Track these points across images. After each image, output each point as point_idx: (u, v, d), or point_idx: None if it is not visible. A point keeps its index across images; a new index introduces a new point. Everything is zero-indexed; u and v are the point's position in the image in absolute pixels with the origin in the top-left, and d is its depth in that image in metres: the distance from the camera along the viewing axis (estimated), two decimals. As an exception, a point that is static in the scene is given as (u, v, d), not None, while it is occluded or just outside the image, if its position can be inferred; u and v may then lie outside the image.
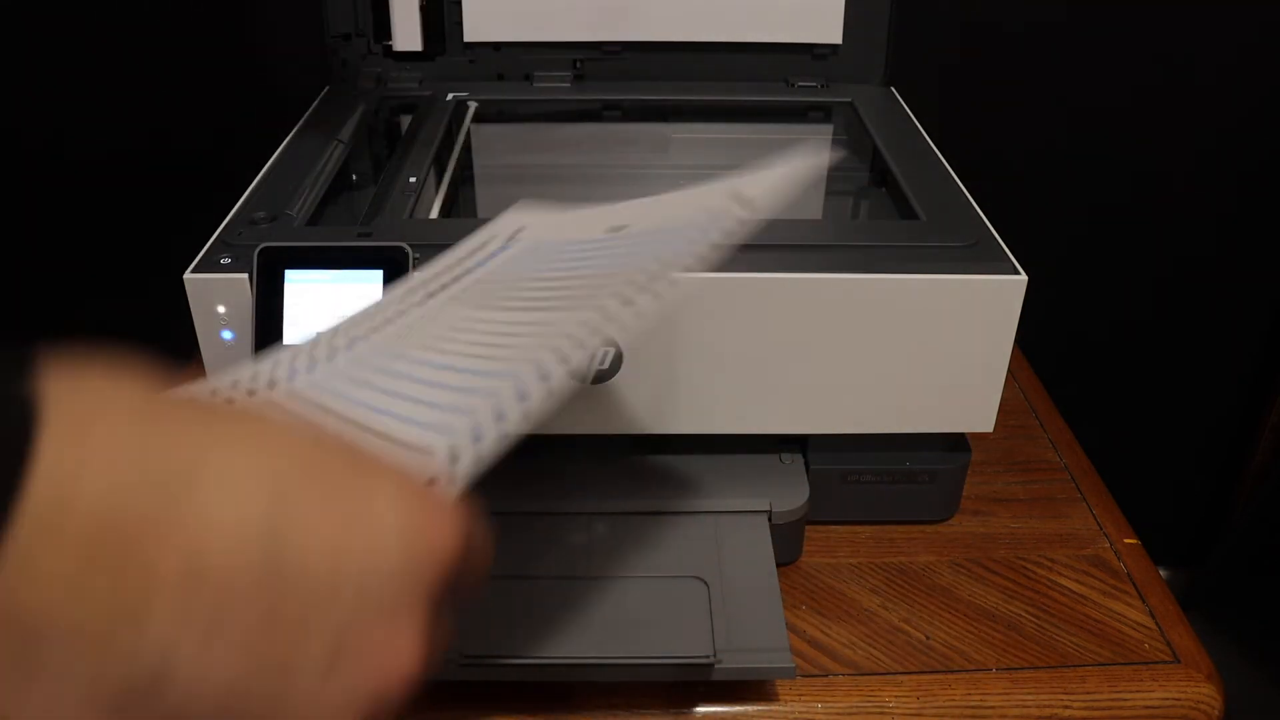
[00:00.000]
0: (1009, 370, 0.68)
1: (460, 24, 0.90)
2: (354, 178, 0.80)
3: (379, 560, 0.28)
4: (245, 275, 0.61)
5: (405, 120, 0.88)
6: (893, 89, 0.90)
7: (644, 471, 0.70)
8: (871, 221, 0.65)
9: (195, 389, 0.33)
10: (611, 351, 0.63)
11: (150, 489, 0.23)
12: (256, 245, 0.61)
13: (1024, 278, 0.62)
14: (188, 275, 0.61)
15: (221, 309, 0.62)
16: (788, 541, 0.69)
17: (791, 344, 0.63)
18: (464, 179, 0.82)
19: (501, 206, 0.72)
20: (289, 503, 0.26)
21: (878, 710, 0.61)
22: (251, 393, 0.34)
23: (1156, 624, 0.67)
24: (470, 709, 0.60)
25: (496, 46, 0.91)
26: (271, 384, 0.36)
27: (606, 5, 0.88)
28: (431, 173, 0.78)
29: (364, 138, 0.84)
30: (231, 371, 0.37)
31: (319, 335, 0.42)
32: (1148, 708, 0.62)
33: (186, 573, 0.23)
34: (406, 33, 0.89)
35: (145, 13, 0.99)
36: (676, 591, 0.63)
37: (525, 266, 0.46)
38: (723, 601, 0.62)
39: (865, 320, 0.62)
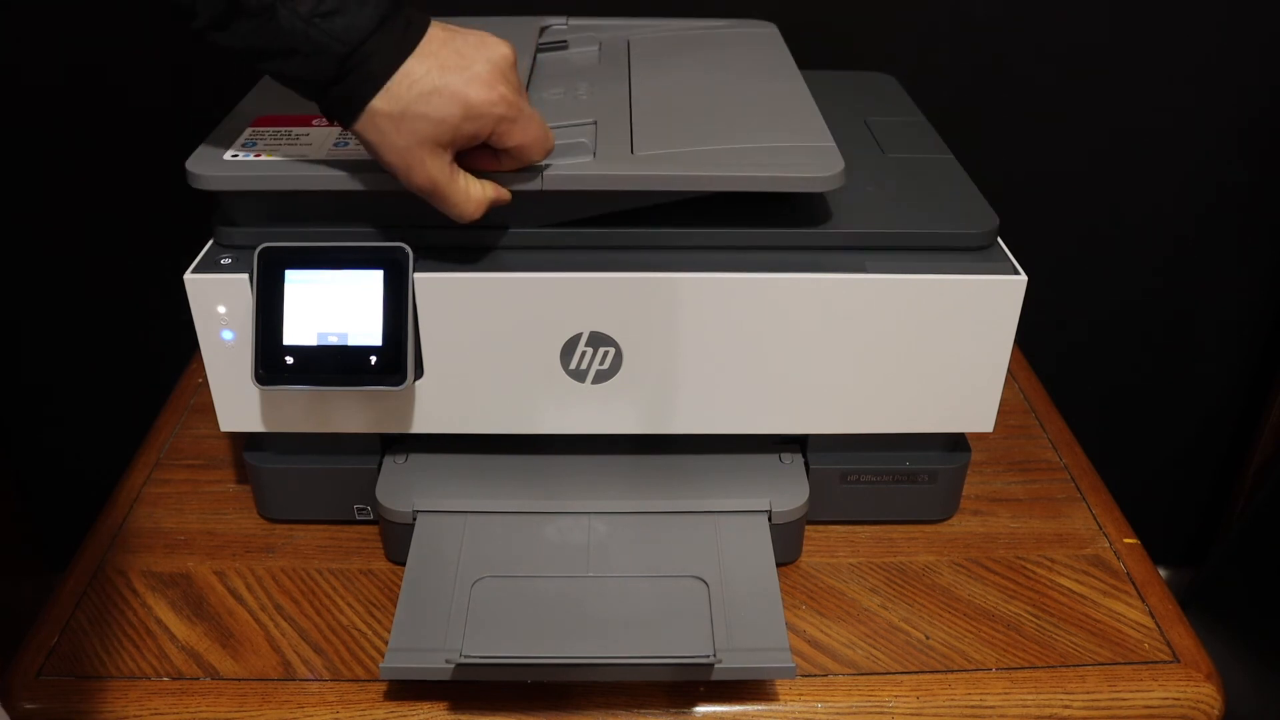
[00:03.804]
0: (1009, 370, 0.68)
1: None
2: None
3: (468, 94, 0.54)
4: (245, 275, 0.61)
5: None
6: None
7: (644, 471, 0.70)
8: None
9: None
10: (611, 351, 0.63)
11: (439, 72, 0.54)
12: (256, 245, 0.61)
13: (1024, 278, 0.62)
14: (188, 275, 0.61)
15: (221, 309, 0.62)
16: (787, 541, 0.69)
17: (792, 344, 0.63)
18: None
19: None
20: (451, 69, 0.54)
21: (878, 710, 0.61)
22: None
23: (1156, 624, 0.67)
24: (470, 709, 0.60)
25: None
26: None
27: None
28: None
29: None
30: None
31: None
32: (1148, 707, 0.62)
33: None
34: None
35: (143, 10, 0.99)
36: (676, 591, 0.63)
37: None
38: (723, 601, 0.62)
39: (865, 320, 0.63)
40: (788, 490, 0.68)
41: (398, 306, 0.60)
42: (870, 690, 0.62)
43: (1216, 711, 0.63)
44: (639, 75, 0.75)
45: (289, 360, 0.61)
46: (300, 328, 0.61)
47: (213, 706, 0.60)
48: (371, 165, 0.60)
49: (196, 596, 0.68)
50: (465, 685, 0.61)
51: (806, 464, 0.70)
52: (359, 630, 0.65)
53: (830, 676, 0.63)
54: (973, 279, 0.62)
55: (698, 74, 0.75)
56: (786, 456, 0.71)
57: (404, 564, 0.65)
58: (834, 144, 0.62)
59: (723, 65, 0.77)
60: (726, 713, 0.61)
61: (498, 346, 0.63)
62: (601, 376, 0.64)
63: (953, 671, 0.63)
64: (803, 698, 0.61)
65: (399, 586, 0.63)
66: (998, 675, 0.63)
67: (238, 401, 0.65)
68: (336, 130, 0.64)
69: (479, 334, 0.62)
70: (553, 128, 0.65)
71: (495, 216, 0.62)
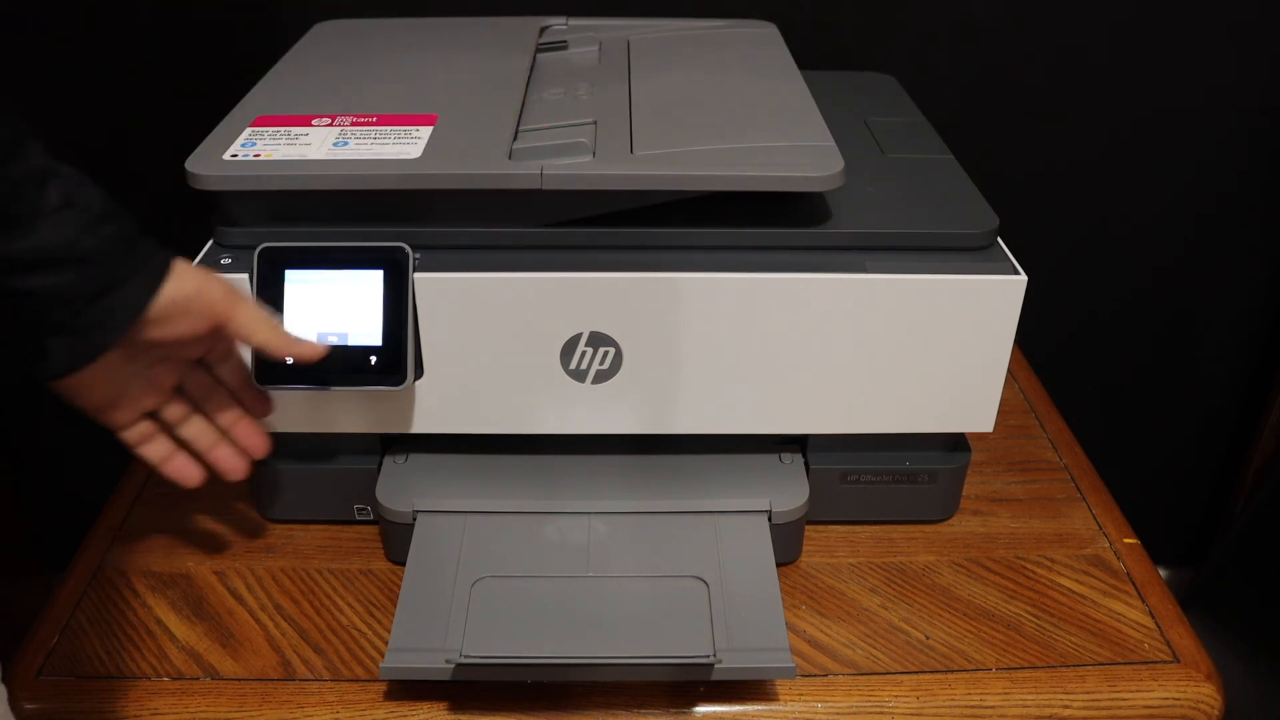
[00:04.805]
0: (1009, 370, 0.68)
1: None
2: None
3: None
4: (245, 275, 0.61)
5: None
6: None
7: (644, 471, 0.70)
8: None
9: None
10: (611, 351, 0.63)
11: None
12: (256, 245, 0.61)
13: (1024, 278, 0.62)
14: (188, 275, 0.61)
15: (222, 309, 0.62)
16: (787, 541, 0.69)
17: (791, 344, 0.63)
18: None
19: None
20: None
21: (878, 710, 0.61)
22: None
23: (1156, 624, 0.67)
24: (470, 709, 0.60)
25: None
26: None
27: None
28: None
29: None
30: None
31: None
32: (1148, 708, 0.62)
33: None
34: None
35: (141, 10, 0.99)
36: (676, 591, 0.63)
37: None
38: (723, 601, 0.62)
39: (865, 320, 0.63)
40: (788, 490, 0.68)
41: (398, 306, 0.60)
42: (870, 690, 0.62)
43: (1216, 711, 0.63)
44: (639, 75, 0.75)
45: (289, 360, 0.61)
46: (300, 328, 0.61)
47: (213, 706, 0.60)
48: (372, 165, 0.60)
49: (196, 596, 0.68)
50: (465, 685, 0.61)
51: (806, 464, 0.70)
52: (359, 630, 0.65)
53: (830, 676, 0.63)
54: (973, 279, 0.62)
55: (697, 74, 0.75)
56: (786, 456, 0.71)
57: (404, 564, 0.65)
58: (834, 144, 0.62)
59: (723, 65, 0.77)
60: (726, 713, 0.61)
61: (498, 346, 0.63)
62: (601, 376, 0.64)
63: (953, 671, 0.63)
64: (803, 698, 0.61)
65: (399, 586, 0.63)
66: (998, 675, 0.63)
67: (238, 401, 0.65)
68: (337, 130, 0.64)
69: (479, 334, 0.62)
70: (553, 128, 0.66)
71: (495, 216, 0.62)
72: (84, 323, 0.51)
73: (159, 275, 0.53)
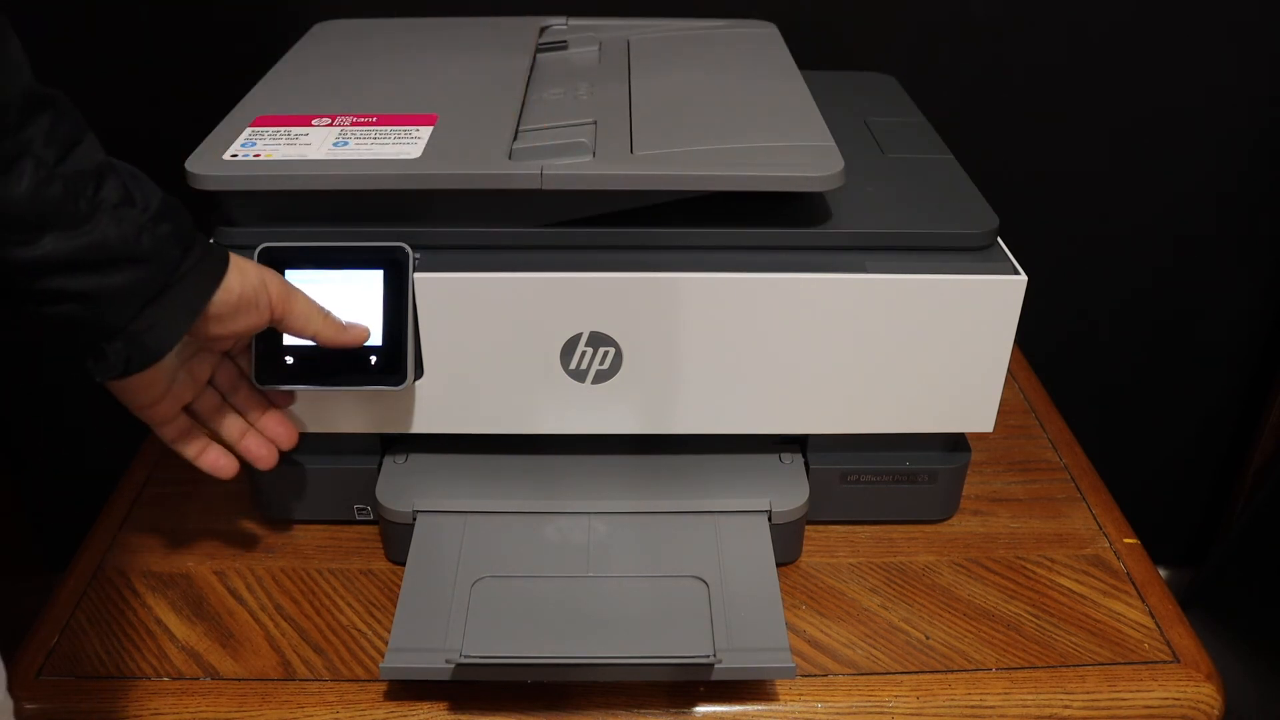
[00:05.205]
0: (1009, 370, 0.68)
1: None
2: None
3: None
4: (245, 275, 0.61)
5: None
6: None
7: (644, 471, 0.70)
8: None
9: None
10: (611, 351, 0.63)
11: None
12: (256, 245, 0.61)
13: (1024, 278, 0.62)
14: (188, 275, 0.61)
15: (222, 309, 0.62)
16: (787, 541, 0.69)
17: (791, 344, 0.63)
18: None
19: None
20: None
21: (878, 710, 0.61)
22: None
23: (1156, 624, 0.67)
24: (470, 709, 0.60)
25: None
26: None
27: None
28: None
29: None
30: None
31: None
32: (1147, 708, 0.62)
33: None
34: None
35: (146, 7, 0.99)
36: (676, 591, 0.63)
37: None
38: (723, 601, 0.62)
39: (865, 320, 0.63)
40: (788, 490, 0.68)
41: (398, 306, 0.60)
42: (870, 690, 0.62)
43: (1216, 711, 0.63)
44: (639, 75, 0.75)
45: (289, 360, 0.61)
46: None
47: (213, 706, 0.60)
48: (372, 165, 0.60)
49: (196, 596, 0.68)
50: (465, 685, 0.61)
51: (806, 464, 0.70)
52: (359, 630, 0.65)
53: (830, 676, 0.63)
54: (973, 279, 0.62)
55: (697, 74, 0.75)
56: (786, 456, 0.71)
57: (404, 564, 0.65)
58: (834, 144, 0.62)
59: (723, 65, 0.77)
60: (726, 713, 0.61)
61: (498, 346, 0.63)
62: (601, 376, 0.64)
63: (953, 671, 0.63)
64: (803, 698, 0.61)
65: (399, 586, 0.63)
66: (998, 675, 0.63)
67: (238, 401, 0.65)
68: (337, 130, 0.64)
69: (479, 334, 0.63)
70: (553, 128, 0.66)
71: (495, 216, 0.62)
72: (140, 326, 0.50)
73: (214, 277, 0.53)
